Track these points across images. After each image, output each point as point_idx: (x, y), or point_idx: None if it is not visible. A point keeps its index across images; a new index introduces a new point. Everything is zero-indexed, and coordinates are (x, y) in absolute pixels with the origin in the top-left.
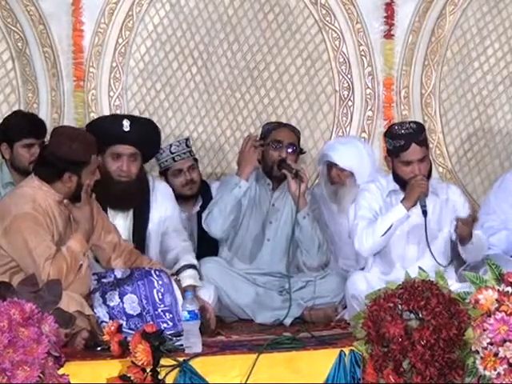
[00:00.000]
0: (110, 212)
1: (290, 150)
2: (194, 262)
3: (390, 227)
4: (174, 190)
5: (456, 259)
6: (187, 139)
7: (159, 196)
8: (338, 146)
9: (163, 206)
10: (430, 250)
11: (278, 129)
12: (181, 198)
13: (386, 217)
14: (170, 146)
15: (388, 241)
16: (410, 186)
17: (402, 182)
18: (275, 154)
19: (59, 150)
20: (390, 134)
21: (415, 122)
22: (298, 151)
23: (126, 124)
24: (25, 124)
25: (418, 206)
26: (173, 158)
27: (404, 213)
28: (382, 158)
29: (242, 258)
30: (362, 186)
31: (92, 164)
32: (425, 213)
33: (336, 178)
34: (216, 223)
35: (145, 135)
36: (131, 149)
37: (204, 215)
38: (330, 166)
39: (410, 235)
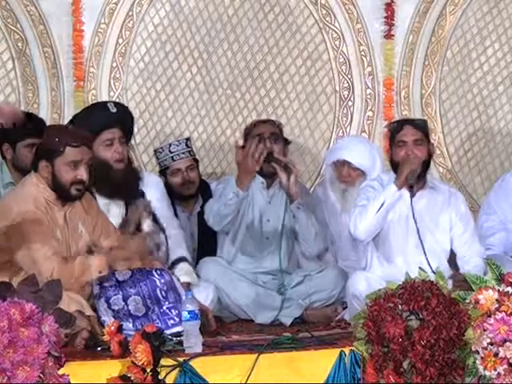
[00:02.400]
0: (103, 203)
1: (272, 140)
2: (185, 254)
3: (382, 205)
4: (172, 189)
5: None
6: (187, 139)
7: (148, 185)
8: (352, 146)
9: (153, 194)
10: (418, 233)
11: (256, 125)
12: (180, 198)
13: (378, 197)
14: (170, 145)
15: (382, 223)
16: (401, 164)
17: (398, 168)
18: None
19: (41, 140)
20: (388, 124)
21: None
22: (283, 141)
23: (111, 106)
24: (28, 124)
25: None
26: (172, 158)
27: (394, 190)
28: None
29: (245, 254)
30: (364, 182)
31: (66, 155)
32: (411, 187)
33: (347, 177)
34: (214, 220)
35: (128, 115)
36: (119, 132)
37: (205, 207)
38: (342, 164)
39: (408, 224)
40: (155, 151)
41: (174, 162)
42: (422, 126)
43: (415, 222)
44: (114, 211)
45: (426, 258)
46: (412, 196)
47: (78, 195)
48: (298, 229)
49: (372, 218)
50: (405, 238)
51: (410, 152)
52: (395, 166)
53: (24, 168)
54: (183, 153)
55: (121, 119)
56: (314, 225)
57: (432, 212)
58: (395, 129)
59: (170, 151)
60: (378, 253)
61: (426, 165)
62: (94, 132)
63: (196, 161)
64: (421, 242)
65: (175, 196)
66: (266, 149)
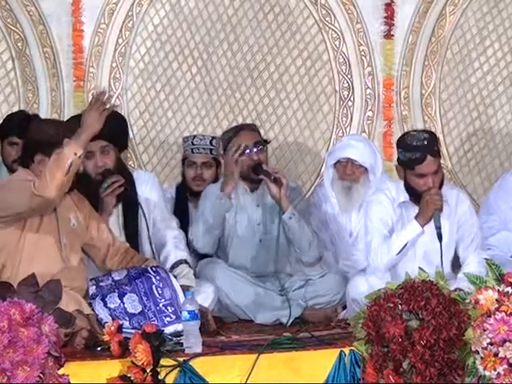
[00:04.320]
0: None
1: (255, 150)
2: (184, 256)
3: (405, 245)
4: (186, 181)
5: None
6: (214, 138)
7: (144, 185)
8: (354, 144)
9: (149, 193)
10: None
11: (238, 134)
12: (190, 193)
13: (401, 234)
14: (194, 137)
15: (403, 257)
16: (424, 203)
17: (414, 193)
18: (246, 160)
19: (32, 133)
20: (403, 145)
21: (427, 132)
22: (265, 145)
23: None
24: (15, 122)
25: (430, 227)
26: (191, 150)
27: (419, 230)
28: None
29: (239, 266)
30: (372, 197)
31: None
32: (440, 236)
33: (351, 175)
34: (203, 241)
35: (110, 125)
36: (101, 142)
37: (190, 231)
38: (345, 163)
39: (417, 251)
40: (183, 138)
41: (192, 154)
42: (438, 151)
43: (442, 261)
44: (111, 221)
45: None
46: (440, 240)
47: (72, 186)
48: (291, 237)
49: (394, 255)
50: (415, 264)
51: (432, 184)
52: (411, 190)
53: (7, 165)
54: (204, 148)
55: (101, 131)
56: (306, 233)
57: (448, 234)
58: (417, 159)
59: (192, 143)
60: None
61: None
62: None
63: (216, 161)
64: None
65: (187, 190)
66: (254, 161)
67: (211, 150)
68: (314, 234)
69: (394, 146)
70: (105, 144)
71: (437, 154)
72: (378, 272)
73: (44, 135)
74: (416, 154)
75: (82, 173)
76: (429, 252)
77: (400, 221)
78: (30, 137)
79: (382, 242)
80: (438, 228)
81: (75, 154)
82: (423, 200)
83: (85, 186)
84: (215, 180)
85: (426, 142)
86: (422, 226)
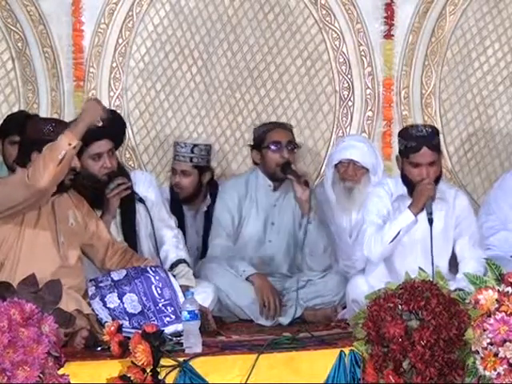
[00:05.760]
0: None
1: (289, 148)
2: (184, 256)
3: (398, 233)
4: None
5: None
6: (196, 145)
7: (141, 185)
8: (357, 144)
9: (147, 193)
10: (432, 261)
11: (274, 130)
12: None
13: (394, 223)
14: (177, 144)
15: (397, 246)
16: (417, 191)
17: (409, 184)
18: (276, 155)
19: (28, 131)
20: (403, 134)
21: (431, 126)
22: (296, 147)
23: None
24: (15, 121)
25: (425, 218)
26: (175, 157)
27: (412, 218)
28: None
29: (243, 260)
30: (371, 189)
31: None
32: (431, 221)
33: (353, 176)
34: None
35: (116, 123)
36: (108, 144)
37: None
38: (347, 164)
39: (415, 246)
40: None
41: (174, 162)
42: (437, 146)
43: (431, 244)
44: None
45: (432, 268)
46: (431, 224)
47: (70, 184)
48: (306, 242)
49: (387, 244)
50: (415, 259)
51: (425, 175)
52: (407, 181)
53: (8, 165)
54: (183, 156)
55: (108, 131)
56: (323, 240)
57: (444, 230)
58: (412, 148)
59: (176, 150)
60: (383, 267)
61: (437, 178)
62: (82, 143)
63: (198, 168)
64: (432, 257)
65: (177, 195)
66: (284, 159)
67: (191, 158)
68: (329, 244)
69: (394, 146)
70: (111, 146)
71: (434, 148)
72: (372, 262)
73: (39, 133)
74: (412, 142)
75: (87, 173)
76: (426, 244)
77: (397, 212)
78: (26, 135)
79: (376, 231)
80: (430, 214)
81: (70, 144)
82: (416, 189)
83: (90, 186)
84: (196, 188)
85: (424, 133)
86: (415, 215)
